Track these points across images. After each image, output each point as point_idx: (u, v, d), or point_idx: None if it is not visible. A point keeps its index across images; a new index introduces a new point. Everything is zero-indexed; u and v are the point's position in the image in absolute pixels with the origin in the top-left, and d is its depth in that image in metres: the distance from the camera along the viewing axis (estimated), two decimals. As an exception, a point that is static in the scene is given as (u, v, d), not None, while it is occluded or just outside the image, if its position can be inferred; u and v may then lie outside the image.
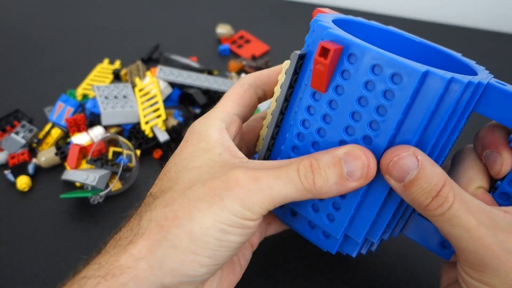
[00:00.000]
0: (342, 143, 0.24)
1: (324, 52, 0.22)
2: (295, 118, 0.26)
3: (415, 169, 0.22)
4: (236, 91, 0.29)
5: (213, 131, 0.27)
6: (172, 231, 0.22)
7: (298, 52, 0.25)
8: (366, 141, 0.23)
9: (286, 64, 0.27)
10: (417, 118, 0.22)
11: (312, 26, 0.26)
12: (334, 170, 0.23)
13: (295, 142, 0.26)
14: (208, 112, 0.29)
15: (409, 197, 0.22)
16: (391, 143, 0.23)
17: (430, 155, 0.23)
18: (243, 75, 0.55)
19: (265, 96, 0.31)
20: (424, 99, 0.22)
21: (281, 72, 0.28)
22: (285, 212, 0.29)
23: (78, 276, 0.23)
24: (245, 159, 0.25)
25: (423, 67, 0.21)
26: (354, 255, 0.28)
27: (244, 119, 0.30)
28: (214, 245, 0.22)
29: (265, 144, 0.28)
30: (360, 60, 0.22)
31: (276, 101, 0.27)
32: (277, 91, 0.28)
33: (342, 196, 0.25)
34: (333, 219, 0.26)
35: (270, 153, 0.29)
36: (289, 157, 0.26)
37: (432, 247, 0.28)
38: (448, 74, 0.21)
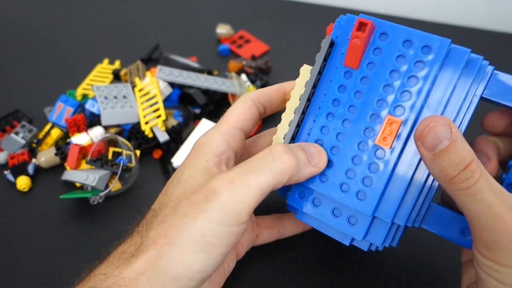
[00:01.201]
0: (373, 116, 0.26)
1: (361, 26, 0.25)
2: (325, 100, 0.27)
3: (447, 139, 0.22)
4: (240, 106, 0.31)
5: (211, 142, 0.28)
6: (165, 248, 0.24)
7: (329, 37, 0.27)
8: (398, 112, 0.25)
9: (306, 68, 0.30)
10: (442, 91, 0.25)
11: (337, 23, 0.29)
12: (302, 152, 0.27)
13: (324, 123, 0.27)
14: (212, 127, 0.30)
15: (437, 168, 0.23)
16: (419, 113, 0.25)
17: None
18: (243, 75, 0.55)
19: (265, 112, 0.33)
20: (448, 71, 0.25)
21: (301, 76, 0.30)
22: (305, 204, 0.29)
23: (86, 286, 0.24)
24: (229, 168, 0.27)
25: (448, 39, 0.25)
26: (380, 244, 0.28)
27: (247, 133, 0.31)
28: (204, 260, 0.24)
29: (290, 130, 0.29)
30: (392, 37, 0.25)
31: (305, 86, 0.29)
32: (295, 93, 0.30)
33: (373, 171, 0.26)
34: (364, 197, 0.26)
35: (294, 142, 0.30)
36: (317, 139, 0.28)
37: (453, 236, 0.28)
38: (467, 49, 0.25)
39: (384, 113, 0.26)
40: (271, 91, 0.32)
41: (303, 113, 0.29)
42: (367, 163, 0.26)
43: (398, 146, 0.26)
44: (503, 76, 0.26)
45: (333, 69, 0.28)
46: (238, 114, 0.31)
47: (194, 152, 0.29)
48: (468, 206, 0.23)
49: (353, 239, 0.29)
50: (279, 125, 0.31)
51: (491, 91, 0.26)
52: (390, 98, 0.25)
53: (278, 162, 0.25)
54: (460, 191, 0.23)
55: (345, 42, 0.27)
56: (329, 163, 0.27)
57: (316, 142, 0.28)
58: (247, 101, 0.31)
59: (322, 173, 0.27)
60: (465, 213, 0.24)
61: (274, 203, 0.36)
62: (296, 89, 0.30)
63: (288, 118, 0.30)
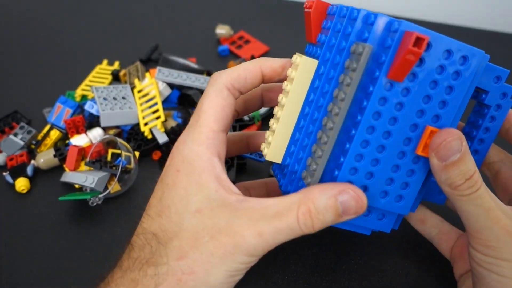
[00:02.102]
0: (413, 126, 0.26)
1: (418, 42, 0.23)
2: (366, 113, 0.25)
3: (458, 152, 0.25)
4: (217, 101, 0.28)
5: (204, 161, 0.27)
6: (191, 284, 0.25)
7: (370, 45, 0.24)
8: (434, 120, 0.26)
9: (306, 62, 0.28)
10: (467, 94, 0.26)
11: (362, 18, 0.26)
12: (331, 212, 0.25)
13: (365, 137, 0.25)
14: (192, 131, 0.28)
15: (444, 176, 0.25)
16: (453, 122, 0.26)
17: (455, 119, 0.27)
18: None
19: (239, 96, 0.30)
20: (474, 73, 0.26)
21: (293, 69, 0.28)
22: None
23: None
24: (241, 196, 0.26)
25: (486, 55, 0.26)
26: (389, 230, 0.29)
27: (227, 131, 0.29)
28: None
29: (324, 160, 0.26)
30: (434, 47, 0.25)
31: (338, 98, 0.25)
32: (289, 91, 0.28)
33: (410, 176, 0.27)
34: (400, 200, 0.27)
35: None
36: (357, 154, 0.26)
37: (434, 198, 0.33)
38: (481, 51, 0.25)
39: (423, 123, 0.26)
40: (247, 74, 0.29)
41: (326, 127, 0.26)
42: (405, 170, 0.27)
43: None
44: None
45: (367, 78, 0.25)
46: (217, 112, 0.28)
47: (184, 171, 0.27)
48: (469, 210, 0.26)
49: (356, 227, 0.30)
50: (277, 127, 0.29)
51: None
52: (429, 108, 0.26)
53: (309, 221, 0.25)
54: (463, 196, 0.26)
55: (378, 47, 0.25)
56: (369, 175, 0.26)
57: (355, 157, 0.26)
58: (222, 91, 0.28)
59: (363, 185, 0.26)
60: (464, 216, 0.27)
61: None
62: (296, 87, 0.28)
63: (289, 120, 0.28)
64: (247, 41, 0.63)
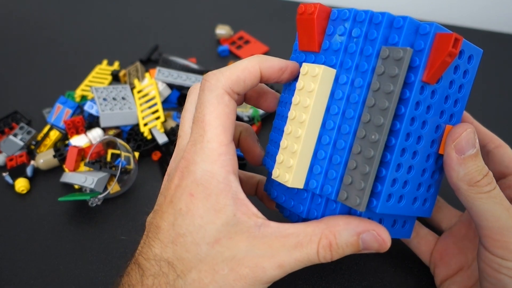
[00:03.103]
0: (437, 128, 0.26)
1: (455, 43, 0.23)
2: (405, 121, 0.24)
3: (474, 147, 0.25)
4: (220, 109, 0.25)
5: (220, 182, 0.25)
6: None
7: (410, 49, 0.23)
8: (451, 119, 0.26)
9: (321, 72, 0.25)
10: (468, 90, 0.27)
11: (388, 22, 0.25)
12: (352, 248, 0.24)
13: (404, 145, 0.24)
14: (201, 148, 0.25)
15: (463, 170, 0.25)
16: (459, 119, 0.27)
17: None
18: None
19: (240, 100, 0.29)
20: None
21: (309, 81, 0.26)
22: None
23: None
24: (260, 219, 0.25)
25: (480, 49, 0.27)
26: (410, 235, 0.30)
27: (234, 139, 0.28)
28: None
29: (372, 176, 0.24)
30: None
31: (382, 108, 0.23)
32: (309, 106, 0.25)
33: (434, 178, 0.27)
34: (424, 202, 0.27)
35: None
36: (398, 163, 0.25)
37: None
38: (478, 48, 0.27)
39: (444, 123, 0.26)
40: (246, 76, 0.26)
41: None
42: (430, 172, 0.27)
43: None
44: None
45: (401, 84, 0.24)
46: (223, 122, 0.25)
47: (199, 195, 0.25)
48: (489, 209, 0.25)
49: None
50: (299, 148, 0.25)
51: None
52: (448, 107, 0.26)
53: (328, 255, 0.24)
54: (482, 193, 0.25)
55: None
56: (405, 184, 0.25)
57: (396, 167, 0.24)
58: (223, 97, 0.25)
59: (401, 195, 0.26)
60: (483, 216, 0.25)
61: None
62: (318, 101, 0.25)
63: (311, 139, 0.26)
64: (247, 42, 0.63)
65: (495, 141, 0.31)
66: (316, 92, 0.25)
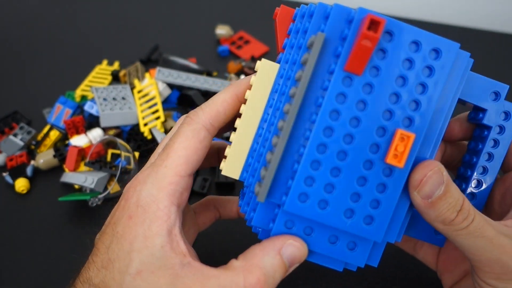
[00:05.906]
0: (379, 129, 0.23)
1: (373, 25, 0.20)
2: (322, 112, 0.22)
3: (442, 185, 0.22)
4: (191, 142, 0.25)
5: (160, 209, 0.24)
6: None
7: (322, 33, 0.22)
8: (406, 123, 0.23)
9: (267, 65, 0.25)
10: (448, 95, 0.23)
11: (319, 12, 0.23)
12: (280, 271, 0.24)
13: (321, 140, 0.22)
14: (155, 171, 0.25)
15: (433, 214, 0.23)
16: (430, 126, 0.23)
17: (438, 138, 0.24)
18: (242, 76, 0.55)
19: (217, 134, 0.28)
20: (454, 75, 0.23)
21: (257, 76, 0.26)
22: (297, 232, 0.25)
23: None
24: (185, 257, 0.24)
25: (456, 43, 0.22)
26: (362, 265, 0.25)
27: (193, 172, 0.27)
28: None
29: (271, 171, 0.23)
30: (398, 37, 0.22)
31: (290, 95, 0.23)
32: (251, 97, 0.26)
33: (381, 192, 0.23)
34: (371, 222, 0.24)
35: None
36: (314, 160, 0.23)
37: (429, 237, 0.28)
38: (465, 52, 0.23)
39: (392, 126, 0.23)
40: (225, 108, 0.26)
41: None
42: (374, 183, 0.23)
43: (410, 164, 0.23)
44: (474, 76, 0.26)
45: (325, 73, 0.23)
46: (188, 155, 0.25)
47: (136, 219, 0.24)
48: (470, 244, 0.23)
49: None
50: (234, 138, 0.26)
51: (465, 91, 0.26)
52: (398, 109, 0.22)
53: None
54: (460, 231, 0.23)
55: (336, 40, 0.22)
56: (330, 187, 0.23)
57: (312, 163, 0.23)
58: (199, 132, 0.25)
59: (322, 199, 0.23)
60: (466, 251, 0.24)
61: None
62: (255, 93, 0.25)
63: (247, 130, 0.26)
64: (247, 41, 0.63)
65: None
66: (254, 84, 0.26)
